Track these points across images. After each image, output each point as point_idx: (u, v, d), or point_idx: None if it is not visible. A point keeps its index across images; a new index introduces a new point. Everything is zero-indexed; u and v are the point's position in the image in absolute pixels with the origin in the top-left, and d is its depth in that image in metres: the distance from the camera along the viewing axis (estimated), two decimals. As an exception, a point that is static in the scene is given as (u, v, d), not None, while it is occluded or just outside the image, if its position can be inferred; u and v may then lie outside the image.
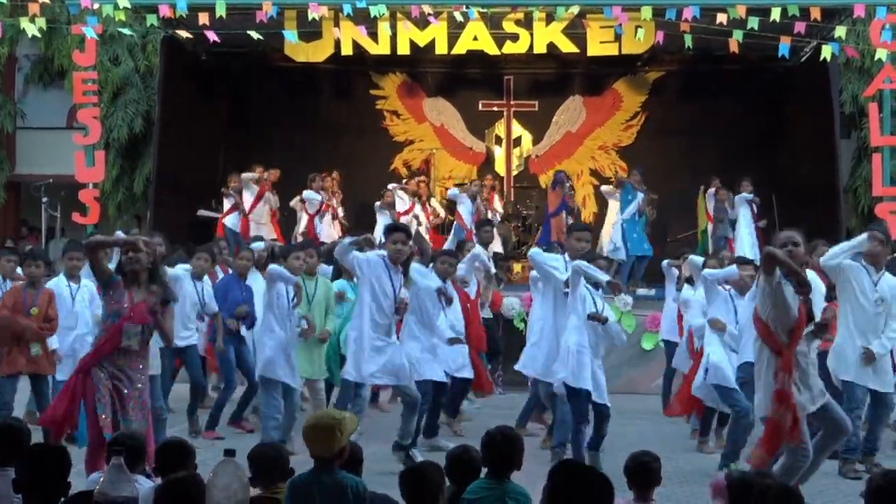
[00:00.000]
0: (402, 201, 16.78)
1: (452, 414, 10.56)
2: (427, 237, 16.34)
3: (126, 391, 6.81)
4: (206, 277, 10.54)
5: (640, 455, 5.16)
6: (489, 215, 16.36)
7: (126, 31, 15.91)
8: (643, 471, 5.07)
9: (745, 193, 15.96)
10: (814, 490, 7.81)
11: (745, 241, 15.67)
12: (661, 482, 5.17)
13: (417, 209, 16.93)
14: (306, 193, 16.49)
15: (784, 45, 14.73)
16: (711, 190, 16.38)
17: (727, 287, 9.27)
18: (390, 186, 16.91)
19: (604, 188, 17.30)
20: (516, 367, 10.29)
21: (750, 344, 7.84)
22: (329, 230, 16.44)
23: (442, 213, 17.54)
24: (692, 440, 10.26)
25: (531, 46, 16.47)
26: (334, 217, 16.83)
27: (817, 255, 9.17)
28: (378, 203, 16.61)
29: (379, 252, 8.99)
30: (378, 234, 16.24)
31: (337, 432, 4.46)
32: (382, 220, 16.46)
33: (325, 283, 10.33)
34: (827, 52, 14.62)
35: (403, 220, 16.29)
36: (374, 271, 8.64)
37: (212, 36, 15.34)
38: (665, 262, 11.65)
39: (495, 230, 15.34)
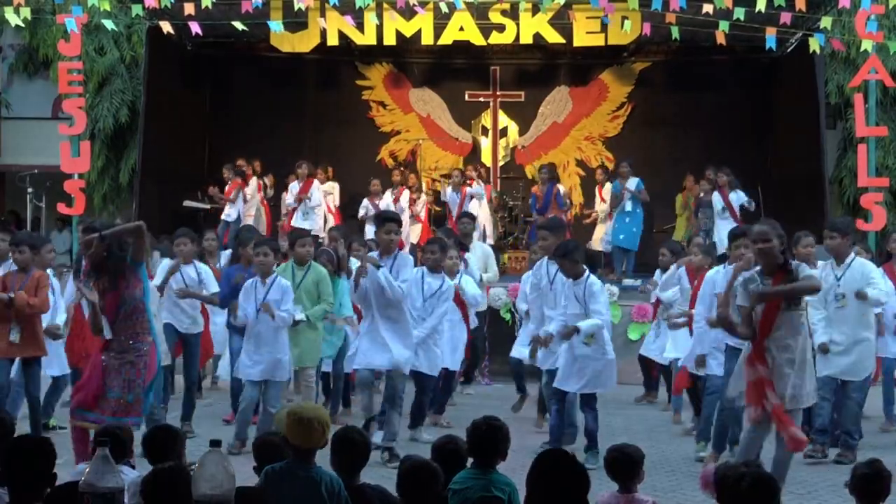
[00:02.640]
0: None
1: (438, 410, 10.53)
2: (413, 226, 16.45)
3: (112, 363, 7.11)
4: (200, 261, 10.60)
5: (620, 446, 5.17)
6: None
7: (109, 24, 15.84)
8: (624, 462, 5.07)
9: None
10: (795, 479, 7.86)
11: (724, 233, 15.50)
12: (645, 473, 5.17)
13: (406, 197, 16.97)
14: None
15: (771, 38, 14.76)
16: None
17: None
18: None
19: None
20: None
21: None
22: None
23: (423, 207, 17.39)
24: (679, 428, 10.32)
25: (517, 37, 16.49)
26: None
27: (801, 247, 9.26)
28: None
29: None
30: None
31: (323, 427, 4.50)
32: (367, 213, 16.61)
33: (317, 271, 9.90)
34: (815, 44, 14.66)
35: (395, 209, 16.40)
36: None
37: (195, 28, 15.31)
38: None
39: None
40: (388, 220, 8.96)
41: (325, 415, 4.63)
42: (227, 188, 16.48)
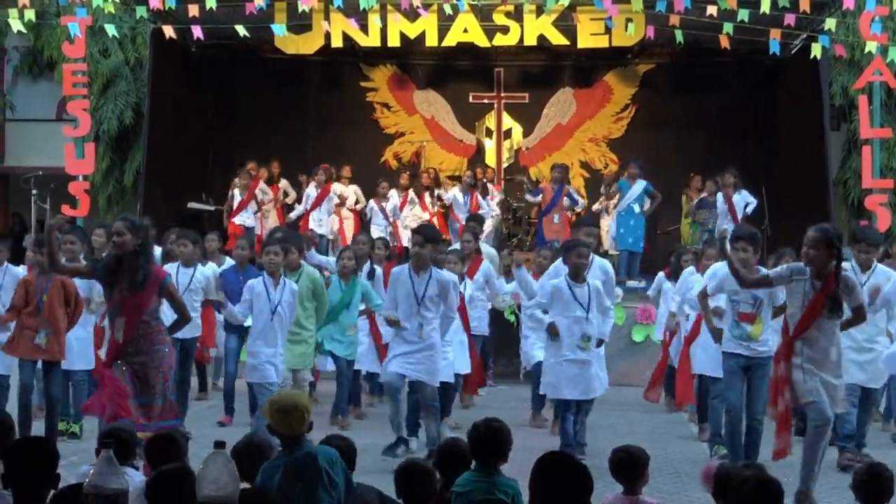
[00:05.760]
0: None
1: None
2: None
3: (143, 372, 7.02)
4: (209, 264, 10.59)
5: (625, 447, 5.17)
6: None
7: (112, 30, 15.85)
8: (628, 463, 5.06)
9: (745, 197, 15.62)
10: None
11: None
12: (649, 476, 5.16)
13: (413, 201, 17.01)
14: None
15: (774, 42, 14.77)
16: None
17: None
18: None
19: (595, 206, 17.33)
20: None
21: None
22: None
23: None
24: (683, 431, 10.32)
25: (521, 39, 16.45)
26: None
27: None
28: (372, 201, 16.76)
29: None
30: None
31: (304, 413, 4.55)
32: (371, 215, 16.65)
33: (311, 277, 9.83)
34: (817, 50, 14.66)
35: (402, 214, 16.46)
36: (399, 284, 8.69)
37: (197, 32, 15.33)
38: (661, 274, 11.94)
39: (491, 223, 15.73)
40: (413, 233, 8.96)
41: (305, 400, 4.69)
42: (242, 199, 16.43)
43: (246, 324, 10.11)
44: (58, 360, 8.99)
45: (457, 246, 12.14)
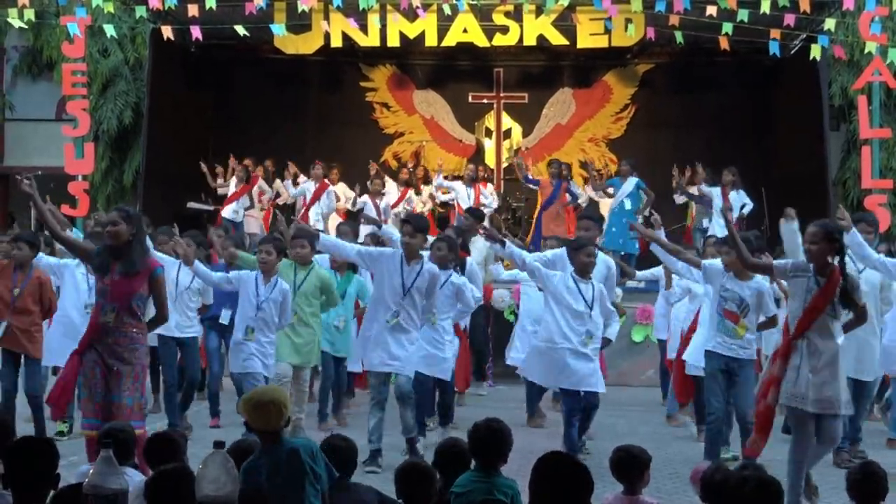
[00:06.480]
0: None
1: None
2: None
3: (116, 368, 6.92)
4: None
5: (626, 447, 5.15)
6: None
7: (110, 30, 15.86)
8: (628, 462, 5.05)
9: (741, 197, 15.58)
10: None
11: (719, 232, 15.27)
12: (650, 476, 5.15)
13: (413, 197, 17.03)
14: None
15: (775, 43, 14.78)
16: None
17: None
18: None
19: (589, 192, 17.26)
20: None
21: None
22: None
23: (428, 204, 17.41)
24: (683, 431, 10.31)
25: (521, 39, 16.49)
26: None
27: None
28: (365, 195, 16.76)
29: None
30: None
31: (283, 408, 4.50)
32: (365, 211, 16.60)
33: (320, 276, 9.73)
34: (816, 51, 14.69)
35: (395, 210, 16.41)
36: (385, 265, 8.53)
37: (196, 33, 15.35)
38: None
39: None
40: (402, 223, 8.86)
41: (282, 395, 4.60)
42: (235, 191, 16.49)
43: (223, 321, 10.20)
44: (34, 356, 8.99)
45: None
